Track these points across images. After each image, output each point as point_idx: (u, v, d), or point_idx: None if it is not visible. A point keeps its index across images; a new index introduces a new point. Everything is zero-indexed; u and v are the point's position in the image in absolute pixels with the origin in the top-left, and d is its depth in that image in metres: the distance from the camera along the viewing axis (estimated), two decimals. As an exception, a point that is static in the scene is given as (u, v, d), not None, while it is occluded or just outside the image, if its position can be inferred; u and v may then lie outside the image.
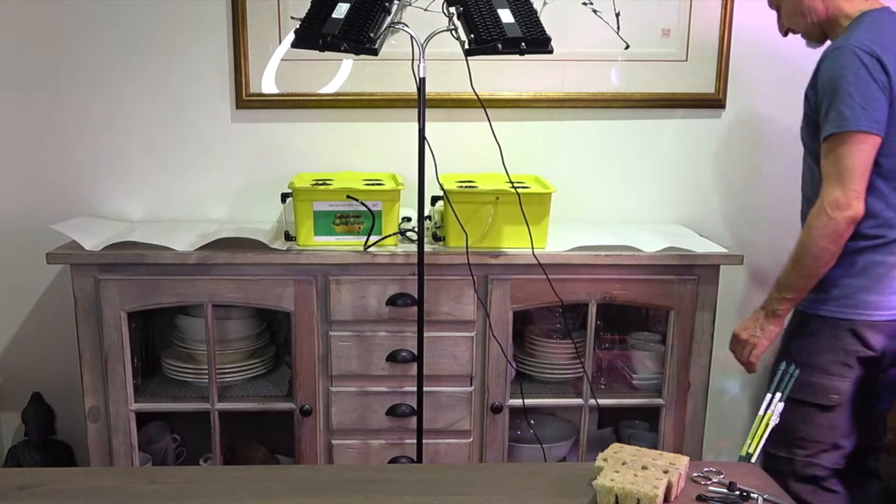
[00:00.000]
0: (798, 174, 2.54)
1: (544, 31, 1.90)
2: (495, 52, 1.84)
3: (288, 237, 2.19)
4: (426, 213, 2.02)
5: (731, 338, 2.01)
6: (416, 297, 2.06)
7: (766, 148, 2.51)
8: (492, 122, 1.98)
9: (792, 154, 2.51)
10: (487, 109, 2.00)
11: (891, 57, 1.76)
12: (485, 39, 1.84)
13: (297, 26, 1.88)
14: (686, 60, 2.42)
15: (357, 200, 2.13)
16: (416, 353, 2.08)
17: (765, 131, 2.50)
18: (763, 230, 2.56)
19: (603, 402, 2.32)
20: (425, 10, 2.05)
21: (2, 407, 2.59)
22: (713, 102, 2.45)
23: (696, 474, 1.44)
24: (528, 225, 2.09)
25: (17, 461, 2.47)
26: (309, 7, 1.91)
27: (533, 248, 2.08)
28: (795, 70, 2.46)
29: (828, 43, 1.94)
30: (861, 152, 1.76)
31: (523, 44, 1.85)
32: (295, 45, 1.88)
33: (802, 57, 2.44)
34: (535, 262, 2.10)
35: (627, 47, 2.40)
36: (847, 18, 1.88)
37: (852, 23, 1.86)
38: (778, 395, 1.81)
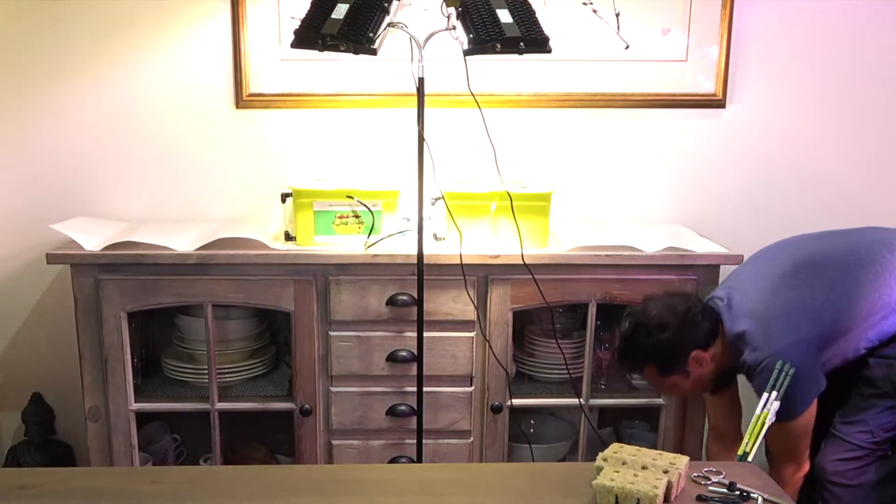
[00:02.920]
0: (797, 175, 2.55)
1: (543, 30, 1.90)
2: (494, 52, 1.84)
3: (288, 237, 2.19)
4: (426, 213, 2.02)
5: None
6: (416, 297, 2.06)
7: (766, 148, 2.51)
8: (492, 122, 1.99)
9: (791, 154, 2.52)
10: (487, 109, 2.01)
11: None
12: (483, 39, 1.85)
13: (297, 26, 1.89)
14: (686, 60, 2.42)
15: (357, 200, 2.14)
16: (416, 353, 2.08)
17: (765, 131, 2.50)
18: (763, 230, 2.55)
19: (603, 402, 2.32)
20: (425, 10, 2.05)
21: (2, 407, 2.59)
22: (713, 102, 2.45)
23: (696, 474, 1.44)
24: (518, 228, 2.09)
25: (17, 461, 2.47)
26: (308, 7, 1.91)
27: (522, 251, 2.08)
28: (795, 70, 2.46)
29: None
30: (808, 423, 1.88)
31: (522, 44, 1.85)
32: (294, 45, 1.88)
33: (802, 57, 2.45)
34: (536, 261, 2.10)
35: (627, 47, 2.40)
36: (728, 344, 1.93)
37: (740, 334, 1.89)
38: (774, 393, 1.82)
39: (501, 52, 1.85)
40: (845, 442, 1.94)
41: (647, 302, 1.97)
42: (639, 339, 1.94)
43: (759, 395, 1.68)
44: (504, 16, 1.87)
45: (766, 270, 1.98)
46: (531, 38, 1.87)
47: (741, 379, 2.08)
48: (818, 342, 1.86)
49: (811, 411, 1.86)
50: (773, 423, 1.74)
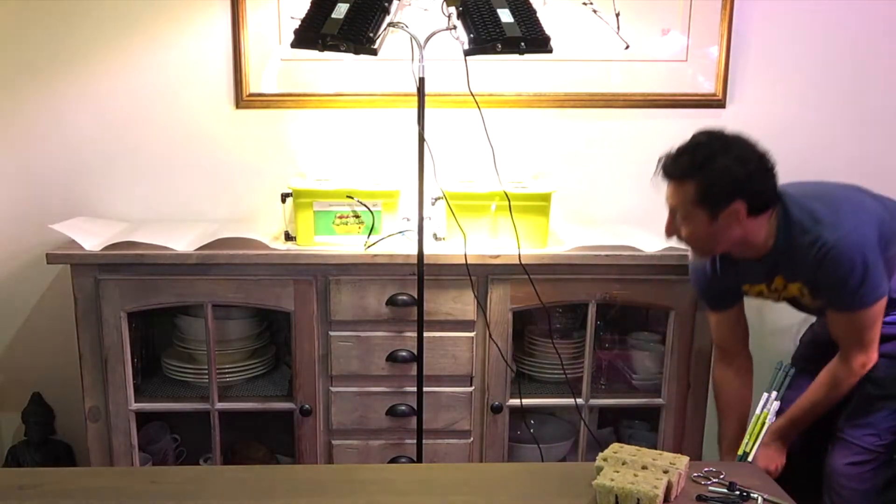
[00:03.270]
0: (798, 174, 2.55)
1: (543, 30, 1.90)
2: (494, 52, 1.84)
3: (288, 237, 2.19)
4: (426, 213, 2.02)
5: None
6: (416, 297, 2.06)
7: (766, 147, 2.50)
8: (492, 122, 1.99)
9: (791, 154, 2.51)
10: (487, 109, 2.01)
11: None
12: (484, 39, 1.85)
13: (297, 26, 1.89)
14: (686, 60, 2.42)
15: (357, 200, 2.14)
16: (415, 353, 2.08)
17: (765, 131, 2.49)
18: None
19: (603, 402, 2.32)
20: (425, 10, 2.05)
21: (2, 407, 2.59)
22: (713, 102, 2.45)
23: (696, 474, 1.44)
24: (516, 228, 2.09)
25: (17, 461, 2.47)
26: (308, 7, 1.91)
27: (519, 253, 2.08)
28: (795, 70, 2.46)
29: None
30: (879, 313, 1.82)
31: (523, 44, 1.85)
32: (294, 45, 1.88)
33: (802, 57, 2.45)
34: (536, 261, 2.10)
35: (627, 47, 2.40)
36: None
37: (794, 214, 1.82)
38: (774, 393, 1.82)
39: (502, 52, 1.85)
40: (854, 445, 1.93)
41: (726, 134, 1.82)
42: (709, 151, 1.76)
43: (823, 295, 1.81)
44: (505, 15, 1.87)
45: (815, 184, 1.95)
46: (532, 38, 1.87)
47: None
48: (885, 235, 1.81)
49: (882, 303, 1.80)
50: (840, 314, 1.79)
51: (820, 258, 1.76)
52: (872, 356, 1.85)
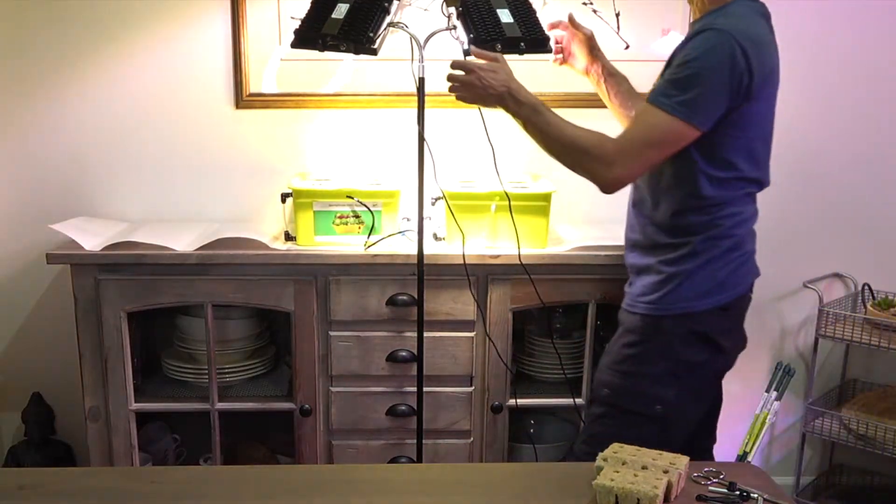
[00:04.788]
0: (798, 174, 2.55)
1: (543, 30, 1.90)
2: (494, 51, 1.85)
3: (288, 237, 2.19)
4: (426, 213, 2.02)
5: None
6: (416, 297, 2.06)
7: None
8: (492, 122, 1.98)
9: (792, 153, 2.52)
10: (487, 109, 2.00)
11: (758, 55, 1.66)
12: (484, 39, 1.85)
13: (297, 26, 1.89)
14: (686, 60, 2.41)
15: (357, 200, 2.14)
16: (415, 353, 2.08)
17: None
18: (764, 230, 2.55)
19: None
20: (425, 10, 2.05)
21: (2, 407, 2.59)
22: (713, 102, 2.44)
23: (696, 474, 1.44)
24: (516, 228, 2.09)
25: (17, 461, 2.47)
26: (308, 7, 1.91)
27: (519, 252, 2.08)
28: (795, 69, 2.46)
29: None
30: (665, 137, 1.65)
31: (522, 44, 1.86)
32: (294, 45, 1.88)
33: (802, 56, 2.45)
34: (536, 261, 2.10)
35: (627, 47, 2.40)
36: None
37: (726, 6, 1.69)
38: (774, 393, 1.82)
39: (502, 52, 1.86)
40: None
41: None
42: None
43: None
44: (504, 16, 1.87)
45: None
46: (532, 38, 1.87)
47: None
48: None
49: (680, 129, 1.62)
50: (650, 109, 1.62)
51: (693, 34, 1.65)
52: (625, 177, 1.69)
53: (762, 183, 1.78)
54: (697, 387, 1.80)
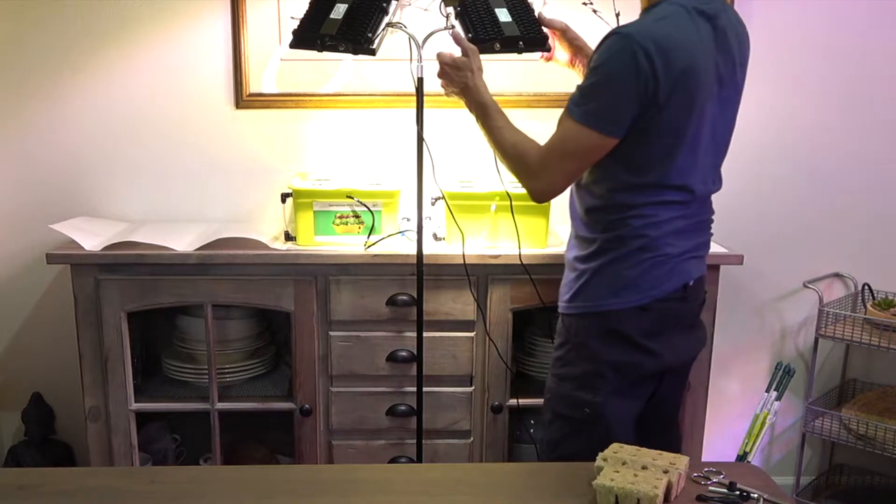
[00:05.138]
0: (799, 174, 2.55)
1: (542, 30, 1.90)
2: (493, 51, 1.85)
3: (288, 237, 2.19)
4: (426, 213, 2.02)
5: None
6: (415, 297, 2.06)
7: (767, 147, 2.50)
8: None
9: (792, 153, 2.52)
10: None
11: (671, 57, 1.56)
12: (482, 39, 1.85)
13: (296, 26, 1.89)
14: (686, 60, 2.41)
15: (357, 200, 2.14)
16: (415, 352, 2.08)
17: (765, 130, 2.50)
18: (763, 230, 2.56)
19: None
20: (424, 10, 2.05)
21: (2, 407, 2.59)
22: (713, 102, 2.44)
23: (696, 474, 1.44)
24: (516, 228, 2.09)
25: (17, 461, 2.47)
26: (307, 7, 1.91)
27: (520, 252, 2.08)
28: (795, 69, 2.46)
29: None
30: (580, 146, 1.64)
31: (521, 43, 1.85)
32: (293, 45, 1.88)
33: (802, 56, 2.45)
34: (536, 261, 2.10)
35: (627, 47, 2.39)
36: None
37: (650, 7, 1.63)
38: (774, 393, 1.81)
39: (501, 51, 1.86)
40: None
41: None
42: None
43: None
44: (503, 15, 1.87)
45: None
46: (530, 38, 1.87)
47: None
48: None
49: (591, 138, 1.60)
50: (564, 118, 1.62)
51: (602, 39, 1.60)
52: (549, 189, 1.68)
53: (690, 190, 1.68)
54: (626, 388, 1.72)
